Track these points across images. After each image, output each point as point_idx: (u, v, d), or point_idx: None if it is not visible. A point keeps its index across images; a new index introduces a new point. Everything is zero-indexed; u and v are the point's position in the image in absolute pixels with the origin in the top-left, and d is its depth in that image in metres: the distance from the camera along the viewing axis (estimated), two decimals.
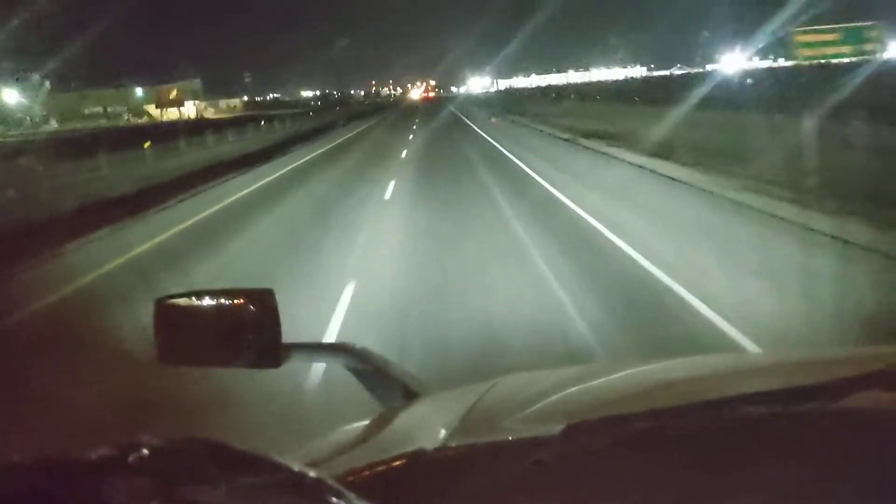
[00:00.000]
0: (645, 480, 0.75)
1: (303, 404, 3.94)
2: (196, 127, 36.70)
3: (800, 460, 0.77)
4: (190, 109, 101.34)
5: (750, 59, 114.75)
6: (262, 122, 37.23)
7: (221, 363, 1.41)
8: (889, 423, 0.86)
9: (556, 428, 0.85)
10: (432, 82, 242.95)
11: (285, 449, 1.24)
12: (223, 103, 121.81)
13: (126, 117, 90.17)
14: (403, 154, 21.97)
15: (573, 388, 1.34)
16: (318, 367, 4.01)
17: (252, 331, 1.30)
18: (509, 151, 19.80)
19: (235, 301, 1.32)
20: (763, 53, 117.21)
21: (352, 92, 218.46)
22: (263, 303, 1.30)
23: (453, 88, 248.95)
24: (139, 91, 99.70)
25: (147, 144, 21.46)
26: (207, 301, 1.34)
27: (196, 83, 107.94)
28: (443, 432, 1.00)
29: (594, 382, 1.42)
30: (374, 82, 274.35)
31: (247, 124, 34.13)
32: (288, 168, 20.58)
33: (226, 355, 1.35)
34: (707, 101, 29.88)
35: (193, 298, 1.35)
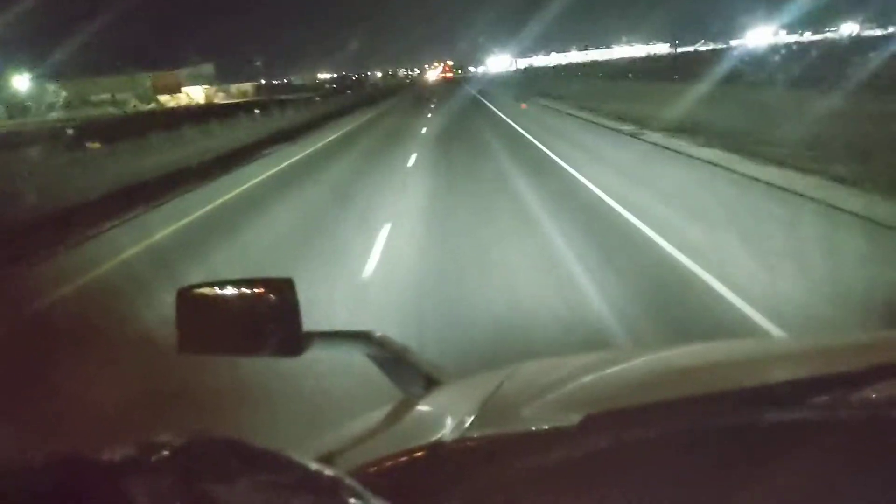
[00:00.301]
0: (663, 473, 0.76)
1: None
2: (182, 117, 33.55)
3: (826, 451, 0.76)
4: (198, 95, 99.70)
5: (776, 33, 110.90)
6: (258, 111, 34.55)
7: (242, 352, 1.46)
8: None
9: (575, 418, 0.84)
10: (450, 63, 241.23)
11: (308, 436, 1.45)
12: (234, 88, 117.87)
13: (133, 104, 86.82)
14: (411, 162, 15.30)
15: (591, 376, 1.35)
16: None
17: (273, 320, 1.32)
18: (589, 176, 11.30)
19: (256, 290, 1.34)
20: (791, 28, 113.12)
21: (367, 74, 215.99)
22: (283, 292, 1.32)
23: (471, 69, 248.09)
24: (149, 78, 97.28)
25: (95, 145, 18.91)
26: (228, 291, 1.36)
27: (208, 68, 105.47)
28: (461, 422, 1.00)
29: (612, 370, 1.42)
30: (392, 64, 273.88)
31: (239, 113, 31.37)
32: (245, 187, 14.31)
33: (247, 344, 1.38)
34: (748, 77, 28.22)
35: (215, 288, 1.36)
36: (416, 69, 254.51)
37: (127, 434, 0.61)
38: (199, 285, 1.38)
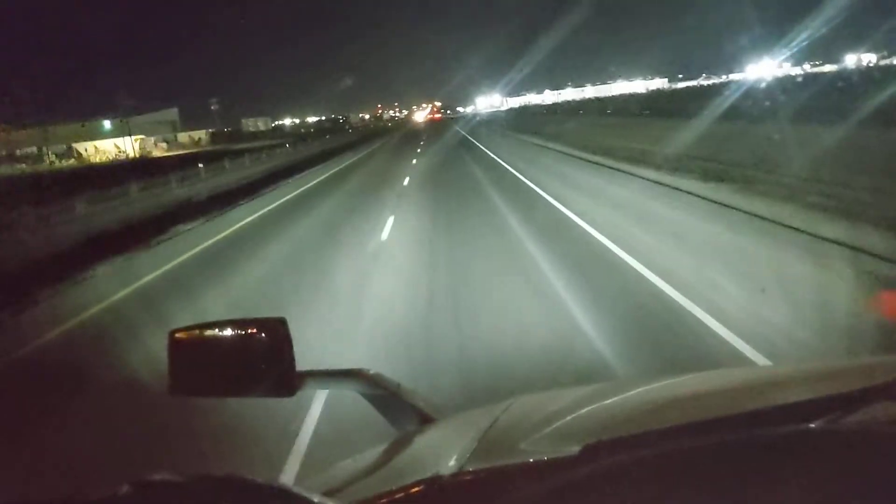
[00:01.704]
0: (665, 499, 0.79)
1: None
2: (93, 178, 28.36)
3: (819, 475, 0.80)
4: (129, 146, 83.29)
5: (780, 66, 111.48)
6: (201, 165, 29.78)
7: (235, 393, 1.48)
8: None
9: (573, 450, 0.88)
10: (438, 103, 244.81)
11: (304, 475, 1.82)
12: (185, 136, 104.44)
13: (49, 159, 73.99)
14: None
15: (587, 408, 1.39)
16: None
17: (265, 360, 1.36)
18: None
19: (248, 331, 1.38)
20: (794, 60, 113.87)
21: (347, 117, 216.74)
22: (276, 332, 1.37)
23: (459, 109, 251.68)
24: (107, 124, 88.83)
25: None
26: (220, 331, 1.39)
27: (172, 113, 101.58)
28: (459, 457, 1.04)
29: (608, 401, 1.47)
30: (378, 105, 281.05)
31: (171, 170, 26.20)
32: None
33: (239, 385, 1.42)
34: (753, 111, 27.02)
35: (206, 329, 1.40)
36: (403, 110, 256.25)
37: (124, 473, 0.63)
38: (191, 327, 1.42)
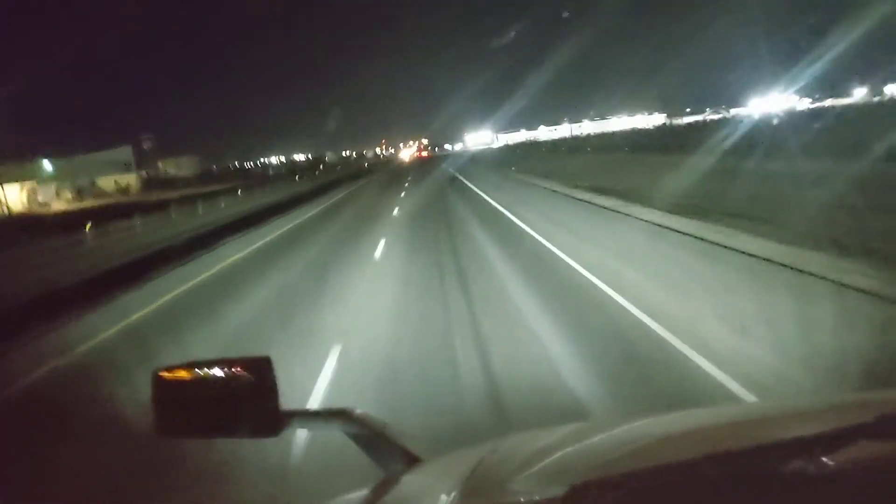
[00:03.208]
0: None
1: None
2: None
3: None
4: (15, 196, 61.45)
5: (791, 99, 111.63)
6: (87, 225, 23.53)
7: (220, 433, 1.53)
8: (885, 475, 0.96)
9: (560, 490, 0.91)
10: (424, 141, 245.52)
11: None
12: (111, 181, 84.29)
13: None
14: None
15: (574, 447, 1.47)
16: None
17: (250, 399, 1.42)
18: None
19: (233, 370, 1.44)
20: (804, 93, 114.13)
21: (323, 156, 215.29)
22: (261, 371, 1.43)
23: (447, 146, 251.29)
24: (47, 165, 75.72)
25: None
26: (205, 371, 1.45)
27: (125, 151, 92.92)
28: (445, 498, 1.09)
29: (594, 440, 1.55)
30: (362, 144, 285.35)
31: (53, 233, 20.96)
32: None
33: (224, 425, 1.48)
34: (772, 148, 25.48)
35: (191, 369, 1.46)
36: (389, 148, 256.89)
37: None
38: (175, 366, 1.48)
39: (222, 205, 38.41)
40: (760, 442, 1.16)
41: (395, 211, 25.95)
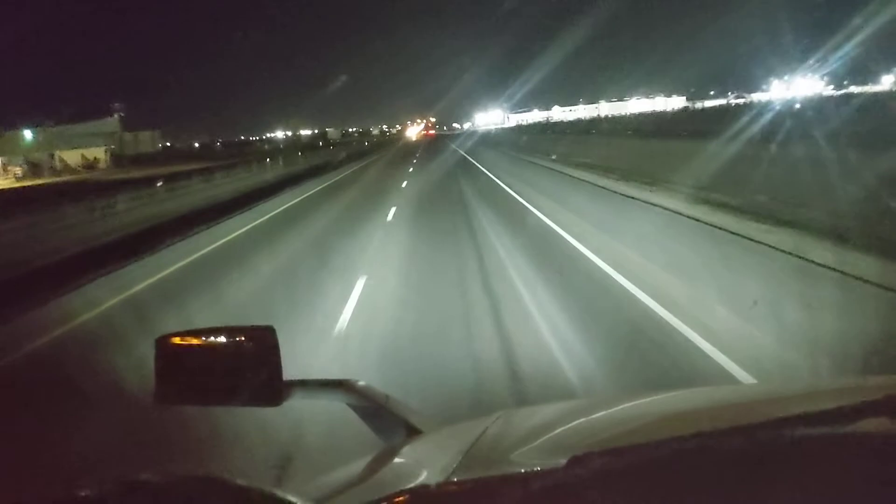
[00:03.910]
0: None
1: None
2: None
3: (800, 489, 0.85)
4: None
5: (819, 84, 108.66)
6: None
7: (221, 402, 1.62)
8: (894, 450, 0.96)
9: (560, 461, 0.93)
10: (432, 119, 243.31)
11: (289, 486, 1.58)
12: (78, 155, 77.60)
13: None
14: None
15: (574, 422, 1.51)
16: None
17: (252, 368, 1.46)
18: None
19: (236, 339, 1.49)
20: (830, 79, 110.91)
21: (328, 130, 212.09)
22: (264, 340, 1.47)
23: (456, 125, 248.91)
24: (28, 134, 72.87)
25: None
26: (208, 339, 1.50)
27: (112, 122, 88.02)
28: (446, 468, 1.10)
29: (595, 415, 1.60)
30: (370, 121, 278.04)
31: None
32: None
33: (226, 394, 1.51)
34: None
35: (194, 336, 1.50)
36: (396, 125, 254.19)
37: (107, 473, 0.68)
38: (178, 333, 1.52)
39: (197, 184, 32.87)
40: (760, 419, 1.18)
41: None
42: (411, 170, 40.10)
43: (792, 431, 0.99)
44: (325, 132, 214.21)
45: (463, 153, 54.75)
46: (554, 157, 37.57)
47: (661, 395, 1.80)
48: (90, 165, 76.53)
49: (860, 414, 1.01)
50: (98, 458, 4.63)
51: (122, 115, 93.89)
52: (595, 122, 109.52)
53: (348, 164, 54.27)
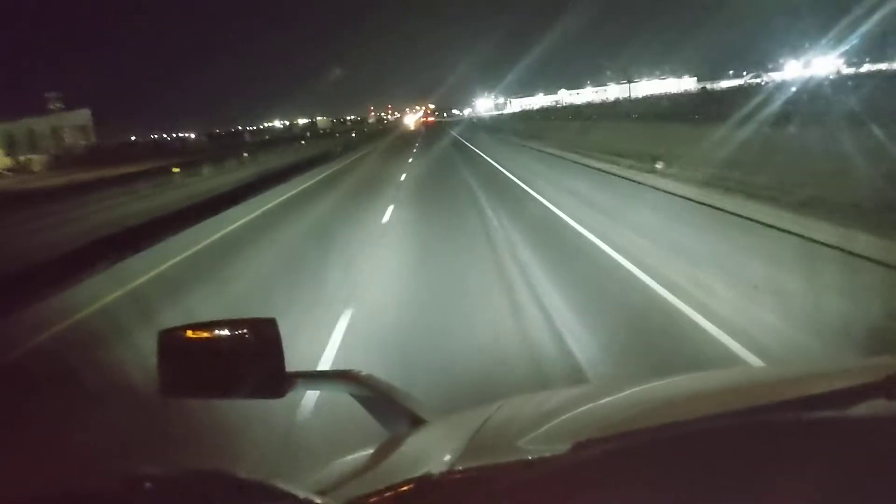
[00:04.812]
0: (653, 495, 0.85)
1: None
2: None
3: (807, 469, 0.86)
4: None
5: (831, 63, 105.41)
6: None
7: (224, 394, 1.63)
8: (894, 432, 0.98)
9: (563, 448, 0.97)
10: (431, 106, 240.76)
11: (293, 476, 1.55)
12: (7, 158, 69.97)
13: None
14: None
15: (578, 409, 1.52)
16: None
17: (255, 361, 1.50)
18: None
19: (238, 331, 1.52)
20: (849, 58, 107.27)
21: (318, 119, 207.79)
22: (266, 332, 1.50)
23: (455, 111, 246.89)
24: None
25: None
26: (210, 332, 1.54)
27: (82, 115, 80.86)
28: (450, 456, 1.12)
29: (599, 402, 1.61)
30: (371, 108, 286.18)
31: None
32: None
33: (229, 386, 1.55)
34: None
35: (196, 330, 1.54)
36: (395, 112, 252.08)
37: (111, 467, 0.72)
38: (181, 327, 1.55)
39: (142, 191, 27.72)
40: (767, 401, 1.18)
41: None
42: (411, 161, 36.19)
43: (795, 414, 1.01)
44: (315, 122, 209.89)
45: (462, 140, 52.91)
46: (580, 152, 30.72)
47: (664, 380, 1.75)
48: (21, 168, 66.53)
49: (861, 396, 1.02)
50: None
51: (60, 105, 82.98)
52: (604, 107, 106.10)
53: (322, 165, 43.61)
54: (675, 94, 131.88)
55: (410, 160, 38.41)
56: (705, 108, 54.36)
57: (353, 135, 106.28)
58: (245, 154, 43.38)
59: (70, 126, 75.03)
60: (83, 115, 79.59)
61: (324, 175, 34.61)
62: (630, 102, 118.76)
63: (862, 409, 0.99)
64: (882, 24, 58.32)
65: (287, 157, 50.87)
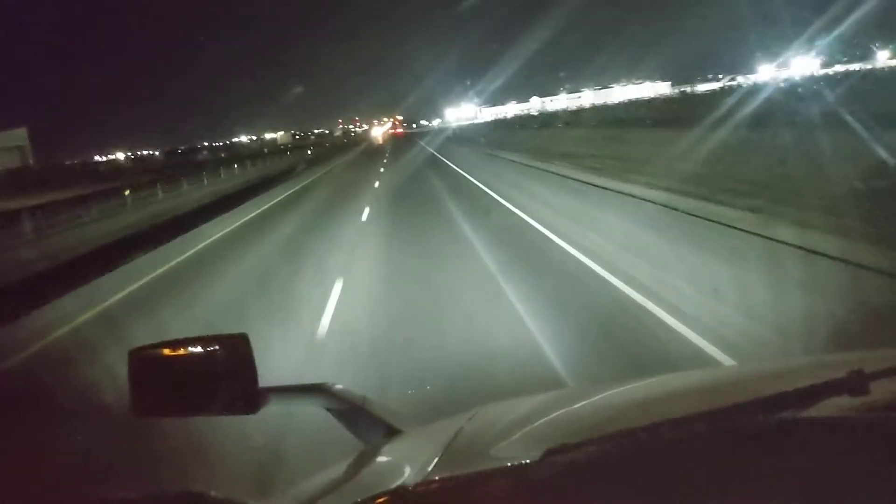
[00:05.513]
0: (625, 498, 0.86)
1: None
2: None
3: (774, 469, 0.87)
4: None
5: (815, 64, 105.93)
6: None
7: (197, 412, 1.59)
8: (855, 428, 1.00)
9: (537, 455, 0.97)
10: (399, 117, 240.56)
11: (269, 493, 1.82)
12: None
13: None
14: None
15: (552, 415, 1.55)
16: None
17: (228, 377, 1.48)
18: None
19: (210, 348, 1.50)
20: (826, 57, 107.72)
21: (262, 138, 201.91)
22: (238, 348, 1.48)
23: (424, 122, 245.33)
24: None
25: None
26: (181, 349, 1.51)
27: (19, 134, 74.66)
28: (425, 466, 1.13)
29: (572, 407, 1.65)
30: (340, 120, 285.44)
31: None
32: None
33: (202, 404, 1.53)
34: None
35: (167, 347, 1.52)
36: (362, 125, 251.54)
37: (82, 491, 0.99)
38: (152, 346, 1.54)
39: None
40: (735, 401, 1.20)
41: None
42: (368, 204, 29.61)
43: (762, 415, 1.03)
44: (275, 138, 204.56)
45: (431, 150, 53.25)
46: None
47: (638, 382, 1.82)
48: None
49: (826, 393, 1.04)
50: None
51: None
52: (579, 113, 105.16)
53: (276, 185, 37.65)
54: (649, 99, 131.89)
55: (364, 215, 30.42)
56: (674, 112, 53.95)
57: (309, 151, 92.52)
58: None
59: (1, 147, 68.63)
60: (18, 135, 73.49)
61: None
62: (595, 110, 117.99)
63: (826, 407, 1.03)
64: (855, 25, 58.55)
65: (234, 178, 39.32)
